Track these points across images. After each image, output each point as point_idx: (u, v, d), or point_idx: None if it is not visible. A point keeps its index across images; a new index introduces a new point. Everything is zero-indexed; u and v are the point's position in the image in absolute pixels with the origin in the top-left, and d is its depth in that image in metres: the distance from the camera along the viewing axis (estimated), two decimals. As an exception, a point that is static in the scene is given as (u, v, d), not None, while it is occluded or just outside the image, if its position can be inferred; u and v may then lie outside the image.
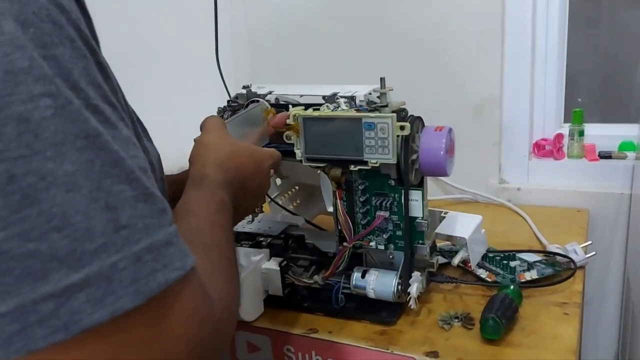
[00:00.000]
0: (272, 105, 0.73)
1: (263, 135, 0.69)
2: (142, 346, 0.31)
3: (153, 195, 0.32)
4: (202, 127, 0.59)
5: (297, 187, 0.93)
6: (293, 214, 0.88)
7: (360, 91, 0.68)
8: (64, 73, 0.30)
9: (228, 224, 0.48)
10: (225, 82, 0.83)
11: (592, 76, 1.31)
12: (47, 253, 0.28)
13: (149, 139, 0.45)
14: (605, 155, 1.04)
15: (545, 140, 1.08)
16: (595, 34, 1.30)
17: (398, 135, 0.63)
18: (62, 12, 0.31)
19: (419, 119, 0.67)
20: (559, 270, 0.76)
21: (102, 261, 0.29)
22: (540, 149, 1.08)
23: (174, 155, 0.65)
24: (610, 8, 1.30)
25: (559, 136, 1.07)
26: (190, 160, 0.53)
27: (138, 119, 0.43)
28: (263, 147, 0.65)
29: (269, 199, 0.86)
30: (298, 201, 0.93)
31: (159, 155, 0.46)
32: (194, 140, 0.56)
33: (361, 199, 0.69)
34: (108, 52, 0.37)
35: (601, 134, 1.07)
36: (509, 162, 1.08)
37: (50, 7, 0.30)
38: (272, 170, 0.61)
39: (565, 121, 1.10)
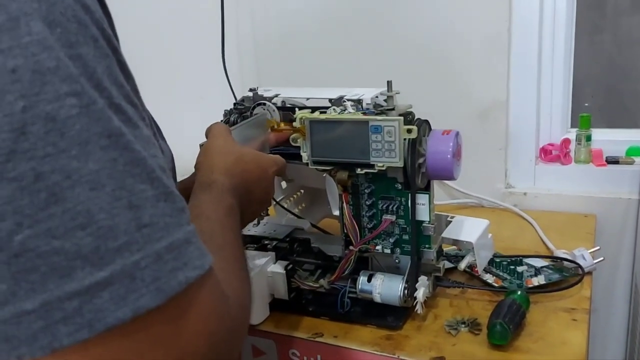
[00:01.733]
0: (278, 108, 0.73)
1: (265, 143, 0.70)
2: (162, 344, 0.31)
3: (173, 194, 0.33)
4: (208, 133, 0.60)
5: (302, 191, 0.93)
6: (298, 217, 0.87)
7: (367, 94, 0.68)
8: (88, 72, 0.30)
9: (237, 228, 0.49)
10: (232, 85, 0.83)
11: (597, 82, 1.30)
12: (72, 250, 0.28)
13: (163, 139, 0.46)
14: (613, 161, 1.03)
15: (552, 145, 1.08)
16: (600, 40, 1.30)
17: (405, 139, 0.62)
18: (87, 12, 0.31)
19: (426, 122, 0.66)
20: (566, 275, 0.76)
21: (125, 259, 0.29)
22: (547, 154, 1.08)
23: (182, 158, 0.64)
24: (615, 14, 1.30)
25: (566, 141, 1.07)
26: (196, 166, 0.54)
27: (152, 118, 0.44)
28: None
29: (275, 202, 0.86)
30: (303, 204, 0.93)
31: (172, 154, 0.46)
32: (200, 145, 0.56)
33: (367, 203, 0.69)
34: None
35: (608, 139, 1.06)
36: (516, 167, 1.07)
37: (76, 7, 0.30)
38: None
39: (572, 126, 1.09)
